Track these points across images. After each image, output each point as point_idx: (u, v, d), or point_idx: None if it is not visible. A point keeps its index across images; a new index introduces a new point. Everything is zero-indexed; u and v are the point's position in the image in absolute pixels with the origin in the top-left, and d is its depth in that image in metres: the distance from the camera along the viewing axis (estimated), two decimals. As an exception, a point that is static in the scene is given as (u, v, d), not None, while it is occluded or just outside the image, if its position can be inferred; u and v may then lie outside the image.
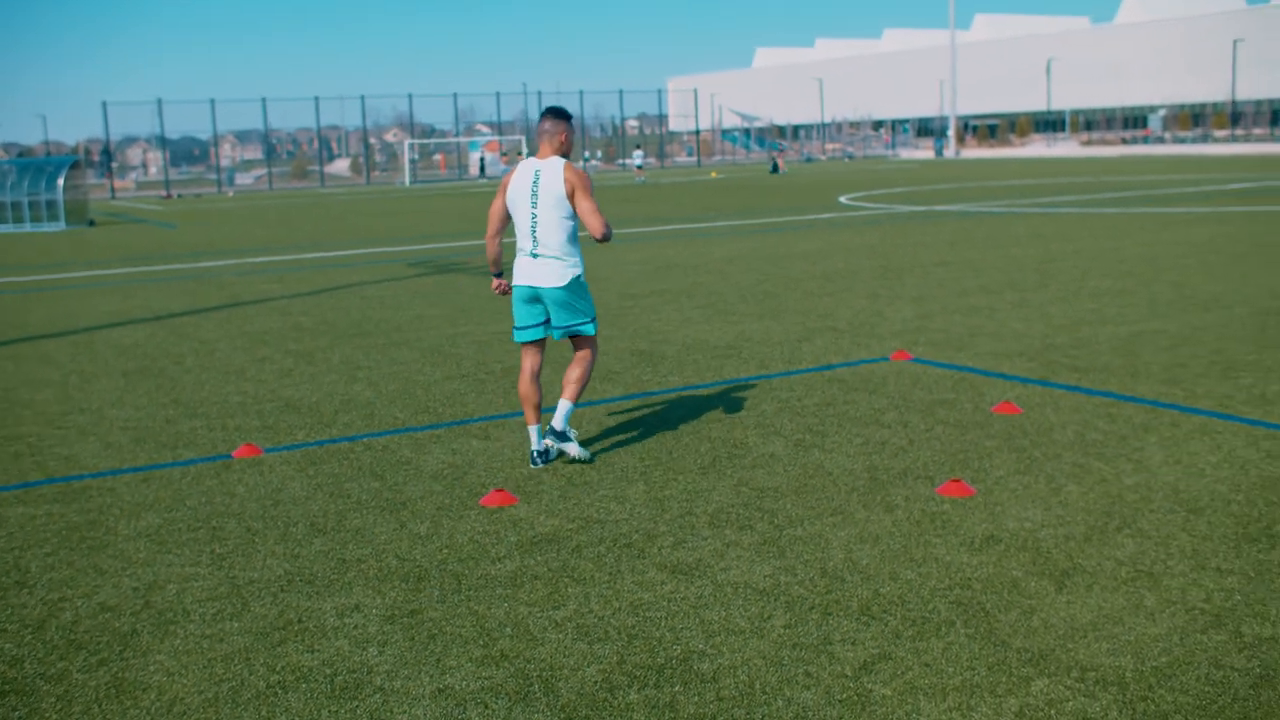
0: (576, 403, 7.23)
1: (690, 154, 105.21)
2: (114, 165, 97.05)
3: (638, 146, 68.70)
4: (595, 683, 4.22)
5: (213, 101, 74.30)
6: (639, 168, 63.60)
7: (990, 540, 5.47)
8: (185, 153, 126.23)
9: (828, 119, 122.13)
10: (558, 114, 7.01)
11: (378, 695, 4.20)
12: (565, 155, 6.98)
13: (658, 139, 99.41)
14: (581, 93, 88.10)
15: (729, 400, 8.59)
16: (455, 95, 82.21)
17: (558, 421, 7.06)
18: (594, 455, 7.18)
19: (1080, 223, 22.91)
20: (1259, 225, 20.95)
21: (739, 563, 5.32)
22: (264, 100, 76.87)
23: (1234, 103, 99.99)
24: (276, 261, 22.07)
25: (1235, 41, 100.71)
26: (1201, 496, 5.99)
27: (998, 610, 4.69)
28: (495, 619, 4.81)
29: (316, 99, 77.46)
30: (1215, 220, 22.35)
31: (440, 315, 13.62)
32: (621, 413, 8.36)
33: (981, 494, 6.16)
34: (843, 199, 35.13)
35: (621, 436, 7.68)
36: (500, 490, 6.41)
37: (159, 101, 73.25)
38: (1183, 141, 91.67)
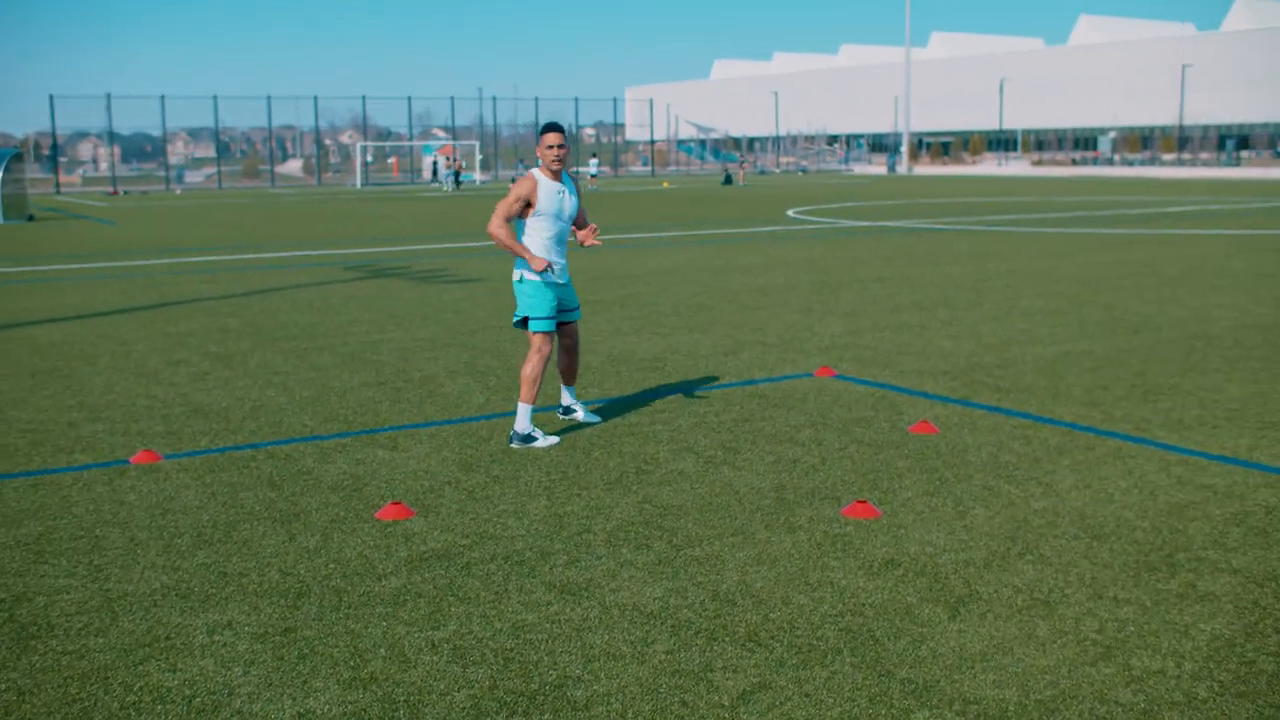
0: (530, 404, 7.62)
1: (645, 163, 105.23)
2: (62, 160, 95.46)
3: (594, 155, 68.65)
4: (463, 709, 4.06)
5: (163, 98, 73.55)
6: (593, 176, 63.58)
7: (889, 564, 5.36)
8: (137, 149, 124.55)
9: (783, 132, 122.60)
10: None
11: (235, 719, 4.02)
12: (547, 165, 7.54)
13: (613, 148, 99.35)
14: (537, 100, 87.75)
15: (646, 414, 8.46)
16: (409, 98, 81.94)
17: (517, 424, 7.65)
18: (550, 437, 7.73)
19: (1021, 242, 23.01)
20: (1196, 248, 21.12)
21: (630, 584, 5.17)
22: (215, 98, 76.19)
23: (1181, 127, 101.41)
24: (212, 261, 21.72)
25: (1184, 66, 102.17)
26: (1107, 523, 5.92)
27: (887, 638, 4.58)
28: (370, 639, 4.63)
29: (269, 98, 76.87)
30: (1154, 242, 22.51)
31: (369, 321, 13.40)
32: (535, 425, 8.19)
33: (887, 516, 6.06)
34: (791, 212, 35.17)
35: (532, 450, 7.52)
36: (397, 503, 6.23)
37: (108, 96, 72.33)
38: (1131, 164, 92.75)
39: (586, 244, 7.94)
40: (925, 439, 7.63)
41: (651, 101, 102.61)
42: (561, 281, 7.69)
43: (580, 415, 8.21)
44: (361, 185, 73.68)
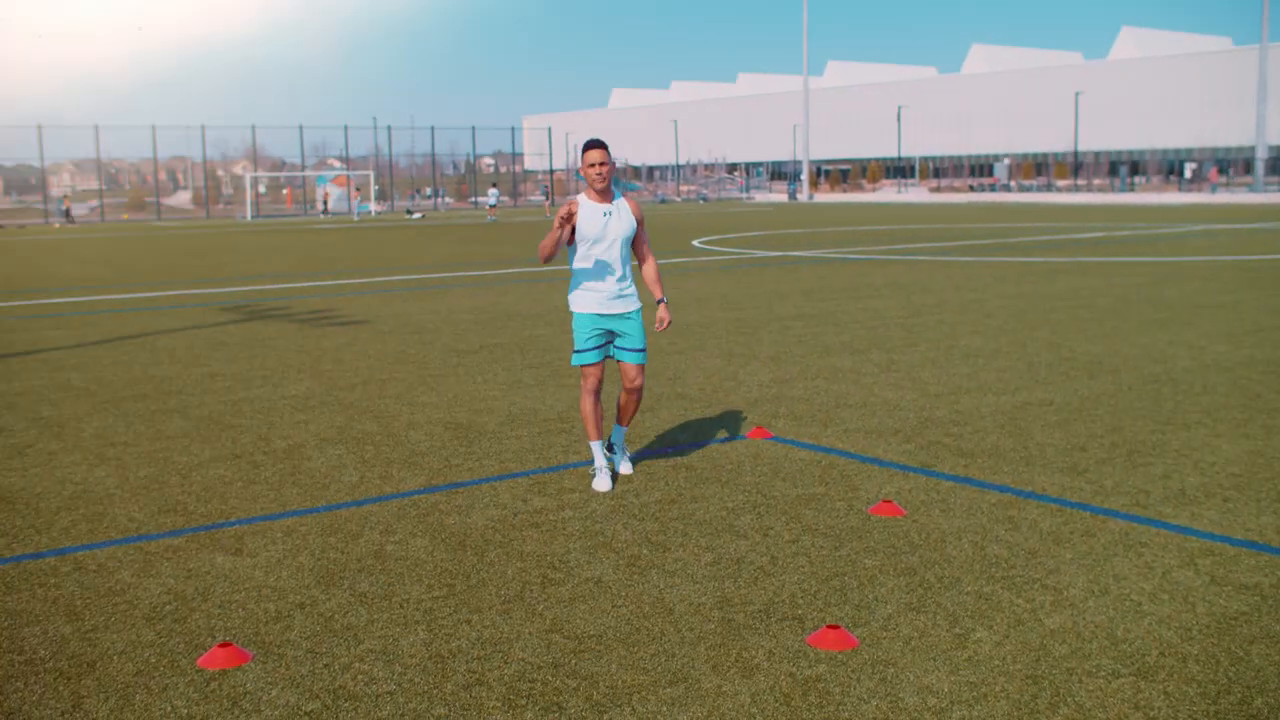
0: (594, 440, 7.23)
1: (544, 193, 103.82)
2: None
3: (494, 185, 66.97)
4: None
5: (39, 127, 70.44)
6: (491, 206, 61.98)
7: (884, 728, 4.00)
8: (21, 181, 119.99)
9: (682, 161, 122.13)
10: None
11: None
12: (591, 186, 6.99)
13: (511, 177, 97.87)
14: (434, 128, 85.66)
15: (552, 494, 7.04)
16: (301, 127, 79.58)
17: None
18: (604, 478, 7.17)
19: (939, 271, 22.02)
20: (1119, 277, 20.29)
21: (537, 777, 3.75)
22: (96, 128, 73.31)
23: (1076, 153, 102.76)
24: (74, 303, 19.83)
25: (1077, 94, 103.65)
26: (1147, 649, 4.63)
27: None
28: None
29: (153, 127, 74.23)
30: (1075, 271, 21.67)
31: (234, 374, 11.80)
32: (415, 515, 6.72)
33: (867, 645, 4.70)
34: (696, 243, 34.02)
35: (411, 550, 6.05)
36: (227, 644, 4.72)
37: (-21, 127, 69.03)
38: (1027, 189, 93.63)
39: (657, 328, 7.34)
40: (891, 524, 6.31)
41: (550, 130, 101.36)
42: (623, 311, 7.09)
43: (615, 465, 7.50)
44: (252, 217, 71.24)
